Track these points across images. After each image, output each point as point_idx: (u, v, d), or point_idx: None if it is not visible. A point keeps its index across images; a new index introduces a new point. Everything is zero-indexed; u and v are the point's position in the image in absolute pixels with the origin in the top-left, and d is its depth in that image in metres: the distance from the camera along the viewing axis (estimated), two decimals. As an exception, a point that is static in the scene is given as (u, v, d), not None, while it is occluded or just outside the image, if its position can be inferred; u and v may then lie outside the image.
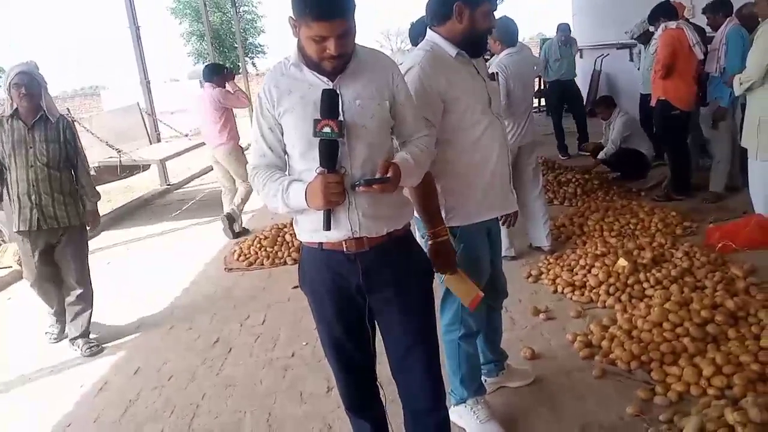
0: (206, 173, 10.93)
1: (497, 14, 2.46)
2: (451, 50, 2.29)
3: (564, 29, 8.67)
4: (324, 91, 1.76)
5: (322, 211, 1.78)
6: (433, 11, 2.33)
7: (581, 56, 9.28)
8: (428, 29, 2.36)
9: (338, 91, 1.80)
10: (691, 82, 5.51)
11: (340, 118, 1.77)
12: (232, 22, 21.61)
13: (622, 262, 3.88)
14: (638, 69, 7.34)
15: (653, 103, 5.73)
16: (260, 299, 4.48)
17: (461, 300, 2.28)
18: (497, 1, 2.30)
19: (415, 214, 2.18)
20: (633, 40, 7.45)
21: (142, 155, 8.62)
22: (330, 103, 1.75)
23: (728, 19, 5.47)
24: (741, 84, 4.40)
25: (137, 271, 5.64)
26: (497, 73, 4.06)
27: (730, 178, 5.54)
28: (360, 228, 1.85)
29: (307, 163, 1.84)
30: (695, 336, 2.95)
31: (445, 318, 2.51)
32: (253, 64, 32.97)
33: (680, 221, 4.81)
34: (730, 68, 5.11)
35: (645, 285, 3.68)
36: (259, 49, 33.44)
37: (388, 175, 1.76)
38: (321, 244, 1.92)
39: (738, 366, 2.68)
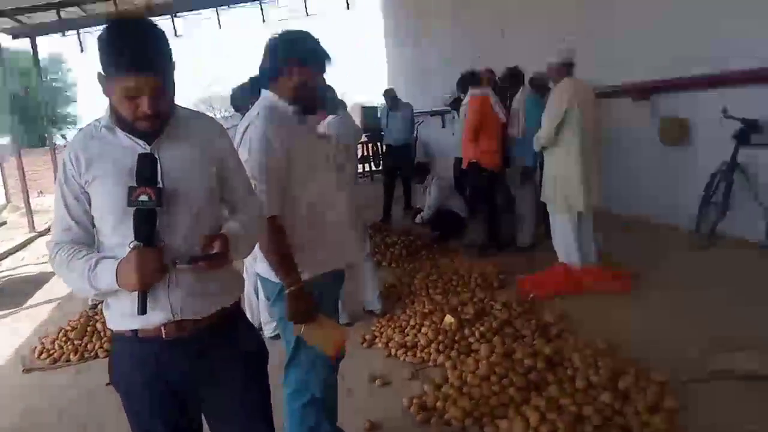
0: (4, 258, 9.71)
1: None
2: (287, 108, 2.29)
3: (387, 94, 8.93)
4: (140, 155, 1.58)
5: (136, 293, 1.56)
6: (266, 70, 2.31)
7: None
8: (262, 89, 2.35)
9: (156, 156, 1.62)
10: (497, 144, 6.02)
11: (159, 185, 1.59)
12: (39, 92, 19.96)
13: (448, 319, 3.99)
14: (453, 134, 7.90)
15: (464, 165, 6.16)
16: (64, 403, 3.86)
17: (322, 350, 2.18)
18: (326, 62, 2.30)
19: (262, 273, 2.09)
20: (446, 107, 8.04)
21: None
22: (146, 168, 1.57)
23: (522, 87, 6.13)
24: (538, 141, 4.84)
25: None
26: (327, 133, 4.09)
27: (537, 232, 6.02)
28: (182, 310, 1.66)
29: (120, 237, 1.61)
30: (520, 385, 3.07)
31: (289, 385, 2.38)
32: (63, 136, 30.56)
33: (496, 274, 5.10)
34: (529, 131, 5.62)
35: (471, 339, 3.80)
36: (69, 120, 31.18)
37: (215, 251, 1.60)
38: (136, 331, 1.68)
39: (559, 409, 2.82)
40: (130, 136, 1.64)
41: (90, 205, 1.67)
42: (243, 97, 4.18)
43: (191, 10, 14.91)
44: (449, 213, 6.81)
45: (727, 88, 5.22)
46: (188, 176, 1.68)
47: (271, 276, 2.28)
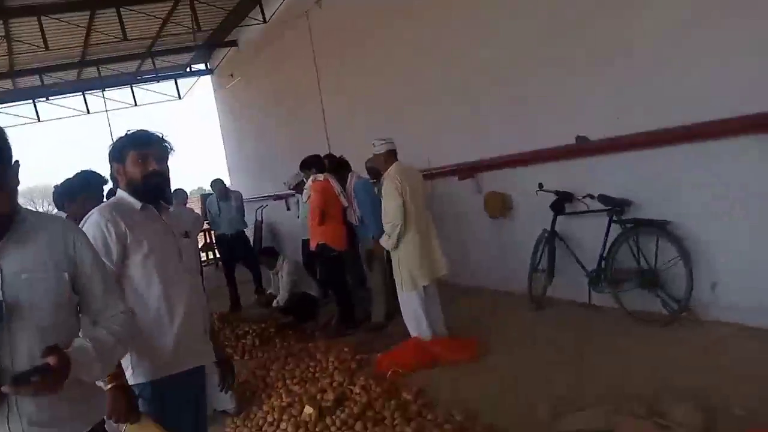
0: None
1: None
2: (136, 203, 2.27)
3: (216, 184, 8.84)
4: None
5: None
6: (111, 174, 2.34)
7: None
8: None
9: None
10: (342, 225, 6.18)
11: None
12: None
13: (307, 410, 3.89)
14: (298, 217, 7.96)
15: (313, 247, 6.22)
16: None
17: None
18: (147, 145, 2.25)
19: None
20: (290, 190, 8.11)
21: None
22: None
23: (350, 174, 6.45)
24: (390, 238, 4.96)
25: None
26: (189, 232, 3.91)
27: (389, 308, 6.17)
28: None
29: None
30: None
31: None
32: None
33: (353, 355, 5.11)
34: (365, 216, 5.99)
35: (333, 429, 3.73)
36: None
37: (47, 362, 1.39)
38: None
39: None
40: None
41: None
42: (61, 194, 3.90)
43: (5, 103, 13.94)
44: (303, 296, 6.77)
45: (540, 164, 5.83)
46: (35, 285, 1.51)
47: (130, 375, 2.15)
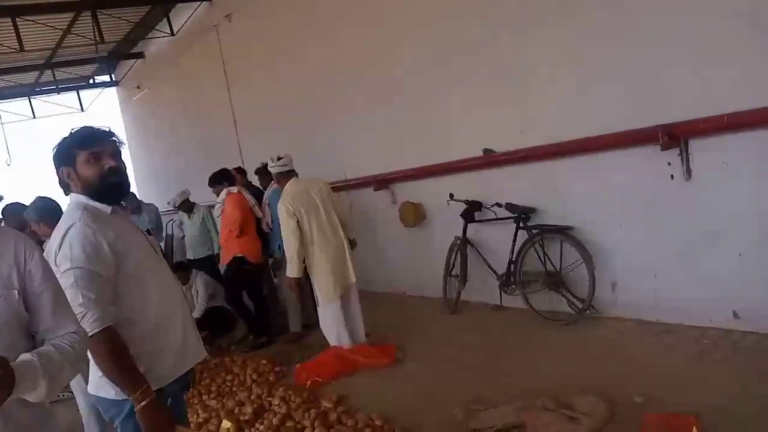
0: None
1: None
2: (105, 208, 2.11)
3: (130, 198, 8.53)
4: None
5: None
6: (59, 179, 2.14)
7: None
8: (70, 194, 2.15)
9: None
10: (257, 237, 6.14)
11: None
12: None
13: (225, 424, 3.83)
14: (182, 237, 7.77)
15: (226, 261, 6.14)
16: None
17: None
18: (97, 142, 2.08)
19: (98, 394, 1.94)
20: (173, 209, 7.91)
21: None
22: None
23: (272, 182, 6.35)
24: (292, 264, 4.96)
25: None
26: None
27: (305, 318, 6.16)
28: None
29: None
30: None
31: None
32: None
33: (272, 368, 5.06)
34: (274, 225, 6.01)
35: (252, 441, 3.70)
36: None
37: None
38: None
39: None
40: None
41: None
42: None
43: None
44: (218, 309, 6.62)
45: (451, 175, 6.04)
46: None
47: (110, 394, 2.02)
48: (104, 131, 2.13)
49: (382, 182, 6.94)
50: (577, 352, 4.31)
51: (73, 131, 2.12)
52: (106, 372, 1.98)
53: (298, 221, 4.88)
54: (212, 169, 6.49)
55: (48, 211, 3.56)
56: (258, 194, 6.70)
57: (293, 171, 5.16)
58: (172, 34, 11.08)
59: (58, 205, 3.28)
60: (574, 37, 4.66)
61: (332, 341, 5.02)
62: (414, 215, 6.52)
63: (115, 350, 1.95)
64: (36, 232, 3.62)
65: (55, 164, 2.12)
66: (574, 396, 3.48)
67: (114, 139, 2.14)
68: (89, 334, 1.82)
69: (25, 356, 1.40)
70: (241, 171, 7.39)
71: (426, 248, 6.60)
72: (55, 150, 2.11)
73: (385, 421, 3.68)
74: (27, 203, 3.90)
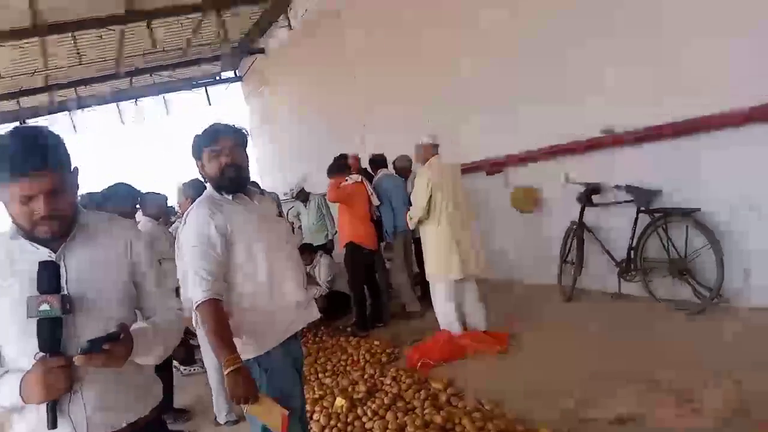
0: None
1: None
2: (225, 196, 2.40)
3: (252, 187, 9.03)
4: (40, 263, 1.51)
5: (45, 406, 1.46)
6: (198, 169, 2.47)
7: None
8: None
9: (62, 262, 1.55)
10: (371, 224, 6.29)
11: (63, 292, 1.51)
12: None
13: (339, 401, 3.97)
14: (299, 227, 8.11)
15: (341, 246, 6.35)
16: None
17: (270, 427, 2.17)
18: (217, 141, 2.36)
19: None
20: (292, 199, 8.27)
21: None
22: (47, 276, 1.50)
23: (380, 169, 6.76)
24: (411, 219, 5.15)
25: None
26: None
27: (420, 296, 6.32)
28: (89, 425, 1.55)
29: (23, 350, 1.52)
30: (416, 457, 3.11)
31: None
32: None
33: (384, 349, 5.17)
34: (385, 210, 6.41)
35: (364, 419, 3.79)
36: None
37: (117, 331, 1.51)
38: None
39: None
40: (34, 243, 1.58)
41: None
42: (87, 204, 4.10)
43: (41, 116, 14.41)
44: (335, 293, 6.86)
45: (567, 157, 5.82)
46: (98, 282, 1.62)
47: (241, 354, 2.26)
48: (225, 129, 2.39)
49: (494, 166, 6.83)
50: (702, 342, 4.01)
51: (201, 130, 2.41)
52: (207, 337, 2.24)
53: (431, 196, 4.93)
54: (330, 159, 6.69)
55: (195, 190, 4.22)
56: (371, 181, 6.86)
57: (438, 147, 5.18)
58: (290, 27, 11.48)
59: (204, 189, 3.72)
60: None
61: (442, 324, 5.04)
62: (527, 200, 6.37)
63: (215, 320, 2.21)
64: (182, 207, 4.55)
65: (192, 156, 2.44)
66: (697, 387, 3.27)
67: (234, 135, 2.39)
68: (196, 304, 2.18)
69: (138, 325, 1.65)
70: (357, 158, 7.59)
71: (540, 234, 6.43)
72: (190, 146, 2.43)
73: (495, 406, 3.65)
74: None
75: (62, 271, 1.56)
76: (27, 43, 9.28)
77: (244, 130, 2.46)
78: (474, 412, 3.52)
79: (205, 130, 2.41)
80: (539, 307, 5.74)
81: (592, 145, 5.50)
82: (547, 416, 3.41)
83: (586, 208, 5.50)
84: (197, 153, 2.42)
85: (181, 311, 1.89)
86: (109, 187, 4.29)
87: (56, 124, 15.17)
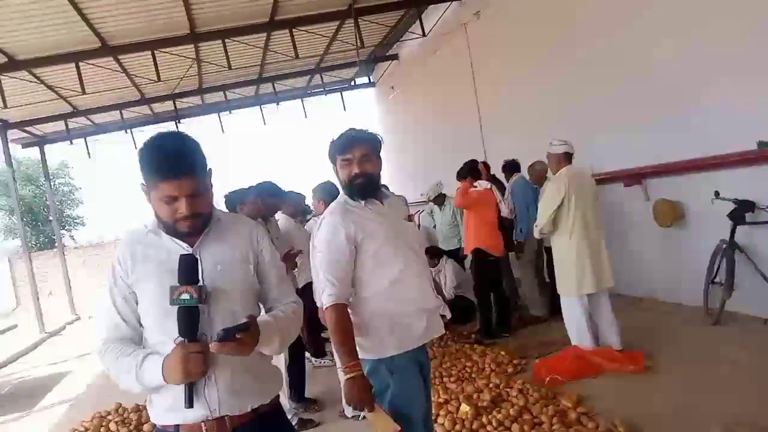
0: (13, 361, 9.64)
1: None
2: (357, 202, 2.46)
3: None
4: (181, 256, 1.69)
5: (183, 387, 1.63)
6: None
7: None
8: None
9: (198, 256, 1.73)
10: (498, 231, 6.21)
11: (200, 283, 1.69)
12: (47, 196, 20.59)
13: (464, 407, 3.96)
14: (433, 226, 8.13)
15: (467, 252, 6.33)
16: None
17: None
18: (349, 150, 2.41)
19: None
20: (429, 202, 8.31)
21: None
22: (187, 268, 1.68)
23: (514, 174, 6.77)
24: (536, 228, 5.03)
25: None
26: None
27: (547, 301, 6.25)
28: (220, 406, 1.71)
29: (163, 335, 1.70)
30: (542, 474, 3.03)
31: None
32: (71, 237, 30.89)
33: (510, 360, 5.08)
34: (520, 212, 6.42)
35: (489, 428, 3.76)
36: (78, 221, 31.55)
37: (246, 321, 1.66)
38: (178, 426, 1.74)
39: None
40: (174, 238, 1.77)
41: (137, 304, 1.77)
42: (233, 199, 4.54)
43: (194, 116, 15.61)
44: (460, 299, 6.85)
45: (715, 170, 5.40)
46: (228, 274, 1.78)
47: (363, 355, 2.35)
48: (358, 137, 2.44)
49: (633, 177, 6.48)
50: None
51: (334, 137, 2.49)
52: (331, 339, 2.33)
53: (560, 204, 4.78)
54: (457, 164, 6.69)
55: (327, 193, 4.42)
56: (501, 188, 6.83)
57: (572, 155, 4.99)
58: (424, 35, 11.64)
59: (337, 191, 3.88)
60: None
61: (574, 339, 4.87)
62: (670, 214, 5.98)
63: (339, 326, 2.30)
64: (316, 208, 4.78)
65: (329, 160, 2.52)
66: None
67: (367, 143, 2.43)
68: (324, 307, 2.29)
69: (263, 316, 1.79)
70: (486, 165, 7.53)
71: (683, 251, 6.02)
72: (327, 149, 2.51)
73: (629, 430, 3.46)
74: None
75: (199, 264, 1.72)
76: (184, 49, 10.13)
77: (378, 137, 2.50)
78: (606, 434, 3.37)
79: (340, 136, 2.47)
80: (681, 329, 5.36)
81: (745, 159, 5.07)
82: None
83: (738, 227, 5.07)
84: (332, 158, 2.49)
85: (299, 305, 2.01)
86: (257, 184, 4.62)
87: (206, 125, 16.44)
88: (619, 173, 6.65)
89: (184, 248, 1.76)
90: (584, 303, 4.82)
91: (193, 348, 1.62)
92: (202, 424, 1.72)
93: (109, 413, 4.94)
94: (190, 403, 1.64)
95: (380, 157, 2.52)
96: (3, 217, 28.72)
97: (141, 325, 1.79)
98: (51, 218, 18.68)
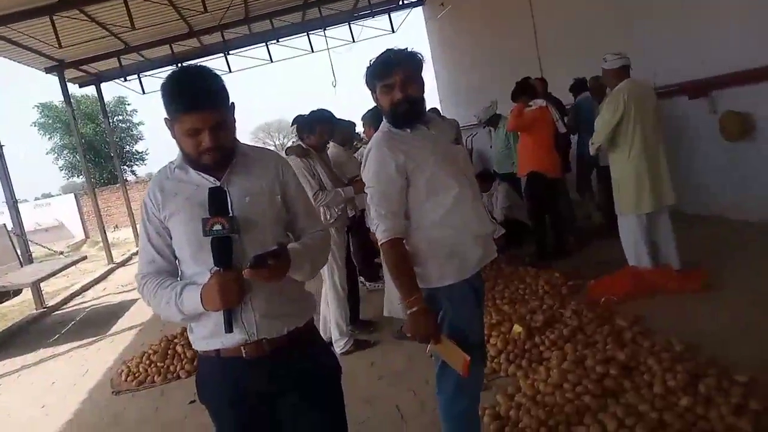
0: (87, 290, 10.25)
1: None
2: (402, 131, 2.34)
3: (433, 112, 9.04)
4: (210, 189, 1.72)
5: (221, 314, 1.69)
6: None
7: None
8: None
9: (226, 189, 1.76)
10: (555, 152, 6.02)
11: (231, 214, 1.72)
12: (107, 133, 21.27)
13: (517, 328, 3.97)
14: (491, 147, 7.93)
15: (522, 174, 6.18)
16: (153, 422, 4.11)
17: (452, 367, 2.23)
18: (389, 75, 2.25)
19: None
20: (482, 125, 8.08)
21: (11, 280, 7.92)
22: (218, 200, 1.71)
23: (582, 92, 6.58)
24: (592, 145, 4.83)
25: (12, 408, 5.03)
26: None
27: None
28: (258, 330, 1.77)
29: (198, 266, 1.76)
30: (595, 392, 3.03)
31: (444, 392, 2.42)
32: (132, 172, 32.09)
33: (564, 281, 5.02)
34: (588, 130, 5.80)
35: (541, 348, 3.77)
36: (138, 157, 32.65)
37: (276, 247, 1.69)
38: (218, 351, 1.81)
39: (638, 416, 2.75)
40: (201, 173, 1.79)
41: (171, 238, 1.82)
42: (303, 127, 4.59)
43: (243, 47, 15.52)
44: (513, 222, 6.76)
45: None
46: (256, 205, 1.80)
47: (419, 284, 2.29)
48: (396, 59, 2.26)
49: (698, 88, 6.10)
50: None
51: (371, 62, 2.32)
52: (391, 276, 2.30)
53: (620, 121, 4.55)
54: (512, 83, 6.44)
55: (377, 119, 4.13)
56: (559, 104, 6.56)
57: (629, 68, 4.67)
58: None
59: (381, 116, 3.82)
60: None
61: (631, 259, 4.75)
62: (739, 127, 5.65)
63: (397, 260, 2.25)
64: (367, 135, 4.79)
65: (368, 88, 2.38)
66: None
67: (406, 65, 2.26)
68: (380, 242, 2.24)
69: (293, 244, 1.82)
70: (542, 81, 7.24)
71: (752, 166, 5.70)
72: (364, 78, 2.36)
73: (687, 348, 3.39)
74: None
75: (228, 197, 1.75)
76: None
77: (418, 56, 2.32)
78: (662, 353, 3.31)
79: (377, 61, 2.30)
80: (747, 246, 5.17)
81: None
82: (750, 366, 3.09)
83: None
84: (370, 85, 2.35)
85: (326, 233, 2.03)
86: (312, 111, 4.62)
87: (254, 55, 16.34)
88: (684, 85, 6.27)
89: (211, 182, 1.78)
90: (642, 222, 4.66)
91: (229, 276, 1.66)
92: (241, 347, 1.78)
93: (175, 337, 5.23)
94: (229, 328, 1.69)
95: (423, 78, 2.35)
96: (67, 155, 29.96)
97: (176, 257, 1.85)
98: (112, 155, 19.31)
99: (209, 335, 1.80)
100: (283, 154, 4.53)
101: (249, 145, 1.95)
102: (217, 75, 1.76)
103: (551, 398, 3.10)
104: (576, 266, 5.59)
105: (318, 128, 4.54)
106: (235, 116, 1.82)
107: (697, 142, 6.36)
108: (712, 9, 5.73)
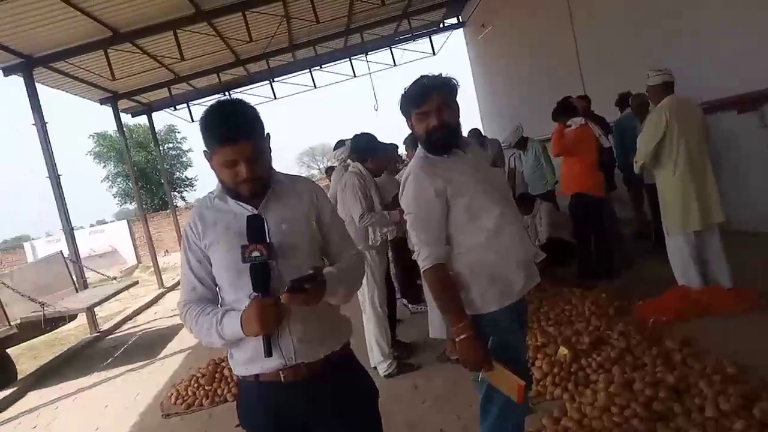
0: (139, 314, 10.55)
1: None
2: (437, 157, 2.34)
3: (474, 134, 9.03)
4: (248, 217, 1.78)
5: (260, 339, 1.73)
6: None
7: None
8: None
9: (263, 216, 1.81)
10: (598, 171, 5.93)
11: (268, 241, 1.77)
12: (158, 160, 22.01)
13: (563, 350, 3.91)
14: (522, 171, 7.89)
15: (565, 194, 6.12)
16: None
17: (506, 394, 2.19)
18: (423, 102, 2.26)
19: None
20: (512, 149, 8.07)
21: (67, 305, 8.21)
22: (255, 227, 1.76)
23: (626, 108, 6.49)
24: (636, 164, 4.78)
25: (68, 430, 5.20)
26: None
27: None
28: (296, 355, 1.82)
29: (237, 293, 1.82)
30: (643, 416, 2.97)
31: (488, 420, 2.39)
32: (182, 198, 33.03)
33: (611, 302, 4.92)
34: (629, 147, 5.83)
35: (588, 370, 3.70)
36: (187, 183, 33.62)
37: (313, 272, 1.73)
38: (257, 375, 1.87)
39: (689, 440, 2.69)
40: (239, 202, 1.87)
41: (211, 265, 1.89)
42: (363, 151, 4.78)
43: (287, 74, 15.88)
44: (558, 241, 6.68)
45: None
46: (292, 231, 1.86)
47: (467, 310, 2.28)
48: (431, 86, 2.26)
49: (748, 102, 5.96)
50: None
51: (405, 89, 2.34)
52: (436, 303, 2.27)
53: (663, 138, 4.49)
54: (554, 101, 6.41)
55: (416, 141, 4.27)
56: (603, 122, 6.51)
57: (672, 84, 4.63)
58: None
59: None
60: None
61: (679, 279, 4.64)
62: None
63: (441, 287, 2.24)
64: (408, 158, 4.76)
65: (402, 115, 2.39)
66: None
67: (441, 91, 2.26)
68: (422, 270, 2.24)
69: (328, 268, 1.86)
70: (585, 99, 7.19)
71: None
72: (399, 104, 2.37)
73: (740, 370, 3.29)
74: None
75: (265, 224, 1.80)
76: (273, 6, 10.30)
77: (453, 81, 2.31)
78: (714, 375, 3.22)
79: (411, 88, 2.30)
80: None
81: None
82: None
83: None
84: (406, 113, 2.34)
85: (360, 257, 2.07)
86: (354, 135, 4.84)
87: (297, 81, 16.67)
88: (732, 98, 6.13)
89: (249, 210, 1.85)
90: (690, 241, 4.56)
91: (267, 302, 1.71)
92: (280, 372, 1.83)
93: (222, 360, 5.32)
94: (269, 353, 1.73)
95: (457, 103, 2.34)
96: (121, 183, 31.06)
97: (216, 285, 1.92)
98: (163, 181, 19.94)
99: (249, 360, 1.85)
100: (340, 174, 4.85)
101: (284, 174, 2.01)
102: (252, 107, 1.83)
103: (598, 422, 3.04)
104: (623, 286, 5.48)
105: (375, 157, 4.73)
106: (271, 146, 1.89)
107: (748, 157, 6.18)
108: (759, 25, 5.60)
